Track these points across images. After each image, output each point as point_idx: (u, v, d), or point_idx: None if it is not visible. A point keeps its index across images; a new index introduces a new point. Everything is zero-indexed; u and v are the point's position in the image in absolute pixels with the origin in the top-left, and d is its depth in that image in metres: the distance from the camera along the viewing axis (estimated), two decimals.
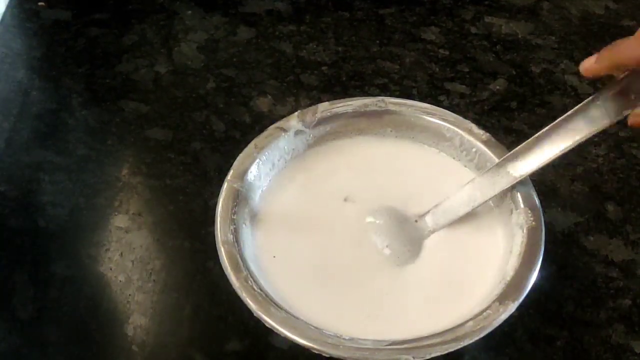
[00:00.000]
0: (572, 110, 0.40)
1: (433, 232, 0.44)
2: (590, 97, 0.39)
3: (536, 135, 0.42)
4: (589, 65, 0.38)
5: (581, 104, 0.40)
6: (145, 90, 0.59)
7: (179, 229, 0.50)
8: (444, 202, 0.44)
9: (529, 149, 0.42)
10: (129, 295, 0.46)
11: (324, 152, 0.48)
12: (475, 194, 0.44)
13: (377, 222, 0.44)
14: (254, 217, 0.45)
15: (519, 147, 0.43)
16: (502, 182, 0.43)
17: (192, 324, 0.45)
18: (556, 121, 0.41)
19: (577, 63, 0.60)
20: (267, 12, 0.67)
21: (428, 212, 0.45)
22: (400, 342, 0.37)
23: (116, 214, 0.51)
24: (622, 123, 0.56)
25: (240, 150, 0.46)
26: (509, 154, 0.43)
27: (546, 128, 0.41)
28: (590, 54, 0.61)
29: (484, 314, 0.38)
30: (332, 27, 0.65)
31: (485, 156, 0.46)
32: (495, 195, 0.43)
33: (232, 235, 0.41)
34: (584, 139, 0.40)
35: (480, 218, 0.45)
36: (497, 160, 0.45)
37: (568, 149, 0.41)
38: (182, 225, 0.50)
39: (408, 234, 0.44)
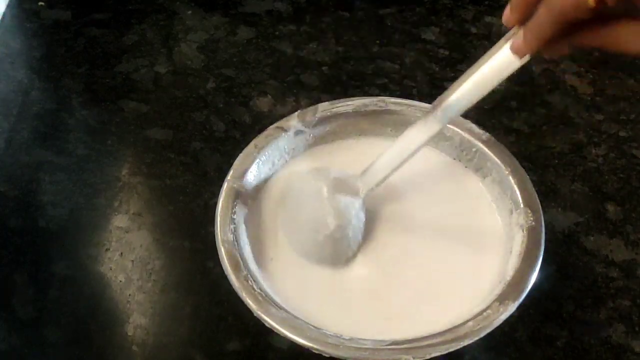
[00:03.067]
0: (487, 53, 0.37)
1: (370, 189, 0.43)
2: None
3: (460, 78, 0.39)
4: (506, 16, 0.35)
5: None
6: (145, 90, 0.59)
7: (179, 229, 0.50)
8: (378, 159, 0.43)
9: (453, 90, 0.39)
10: (129, 295, 0.46)
11: (324, 152, 0.49)
12: (407, 143, 0.42)
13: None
14: (254, 217, 0.45)
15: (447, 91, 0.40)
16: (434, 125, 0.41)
17: (192, 324, 0.45)
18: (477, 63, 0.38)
19: (577, 63, 0.61)
20: (267, 12, 0.67)
21: (364, 171, 0.44)
22: (400, 342, 0.37)
23: (116, 214, 0.51)
24: (622, 122, 0.56)
25: (240, 150, 0.46)
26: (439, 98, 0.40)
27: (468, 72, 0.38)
28: (590, 54, 0.62)
29: (484, 314, 0.38)
30: (332, 27, 0.65)
31: (485, 156, 0.46)
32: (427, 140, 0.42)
33: (232, 235, 0.42)
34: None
35: (479, 218, 0.45)
36: (497, 160, 0.45)
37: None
38: (182, 225, 0.50)
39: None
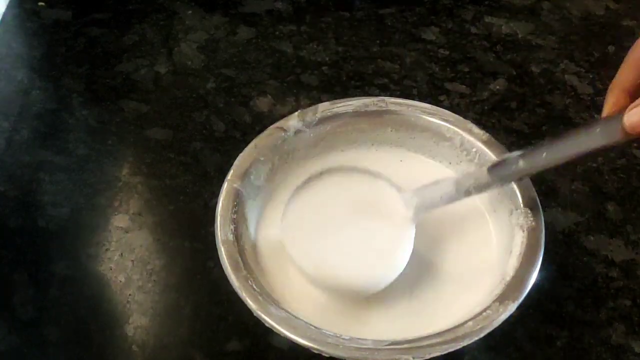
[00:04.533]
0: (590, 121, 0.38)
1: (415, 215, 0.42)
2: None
3: (549, 139, 0.39)
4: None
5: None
6: (145, 90, 0.59)
7: (179, 229, 0.50)
8: (429, 187, 0.43)
9: (538, 149, 0.39)
10: (129, 295, 0.46)
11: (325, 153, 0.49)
12: (467, 184, 0.42)
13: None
14: (254, 217, 0.45)
15: (530, 147, 0.40)
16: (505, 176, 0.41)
17: (192, 324, 0.45)
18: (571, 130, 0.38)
19: (577, 63, 0.61)
20: (267, 12, 0.67)
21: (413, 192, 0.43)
22: (400, 342, 0.37)
23: (116, 214, 0.51)
24: None
25: (240, 150, 0.46)
26: (516, 153, 0.40)
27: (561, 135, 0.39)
28: (590, 54, 0.62)
29: (484, 314, 0.38)
30: (332, 27, 0.65)
31: (486, 156, 0.46)
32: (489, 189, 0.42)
33: (232, 235, 0.42)
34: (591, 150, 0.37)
35: (480, 218, 0.45)
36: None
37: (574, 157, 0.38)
38: (182, 225, 0.50)
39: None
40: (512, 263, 0.41)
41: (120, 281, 0.47)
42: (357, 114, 0.48)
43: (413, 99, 0.49)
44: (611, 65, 0.61)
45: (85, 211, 0.51)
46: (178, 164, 0.54)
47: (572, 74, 0.60)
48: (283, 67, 0.61)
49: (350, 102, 0.49)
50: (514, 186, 0.44)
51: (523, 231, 0.42)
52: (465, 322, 0.38)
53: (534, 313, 0.44)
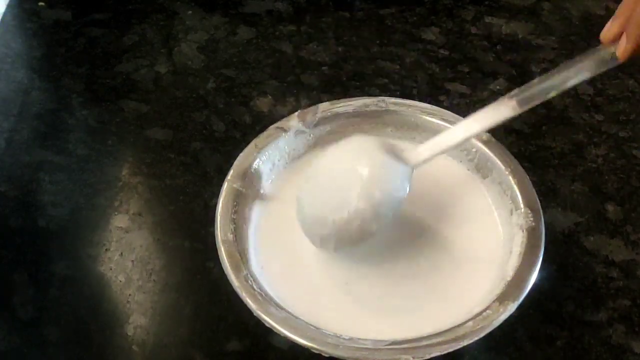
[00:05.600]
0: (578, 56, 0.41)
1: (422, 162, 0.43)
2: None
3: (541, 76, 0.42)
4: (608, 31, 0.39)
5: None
6: (145, 90, 0.59)
7: (179, 229, 0.50)
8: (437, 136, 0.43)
9: (531, 85, 0.42)
10: (129, 295, 0.46)
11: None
12: (471, 125, 0.42)
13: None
14: (254, 217, 0.45)
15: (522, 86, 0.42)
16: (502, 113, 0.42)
17: (192, 324, 0.45)
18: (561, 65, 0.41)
19: None
20: (267, 12, 0.67)
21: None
22: (400, 342, 0.37)
23: (116, 214, 0.51)
24: (622, 123, 0.56)
25: (241, 150, 0.46)
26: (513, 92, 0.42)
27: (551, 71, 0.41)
28: None
29: (484, 314, 0.38)
30: (332, 27, 0.65)
31: (485, 156, 0.46)
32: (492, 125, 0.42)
33: (232, 235, 0.42)
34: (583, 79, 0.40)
35: (480, 218, 0.45)
36: (497, 160, 0.45)
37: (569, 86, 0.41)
38: (182, 225, 0.50)
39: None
40: (512, 263, 0.41)
41: (120, 281, 0.47)
42: (357, 114, 0.49)
43: (413, 99, 0.49)
44: None
45: (85, 211, 0.51)
46: (178, 164, 0.54)
47: None
48: (283, 67, 0.61)
49: (350, 102, 0.49)
50: (514, 186, 0.44)
51: (523, 231, 0.42)
52: (465, 322, 0.38)
53: (534, 313, 0.44)
